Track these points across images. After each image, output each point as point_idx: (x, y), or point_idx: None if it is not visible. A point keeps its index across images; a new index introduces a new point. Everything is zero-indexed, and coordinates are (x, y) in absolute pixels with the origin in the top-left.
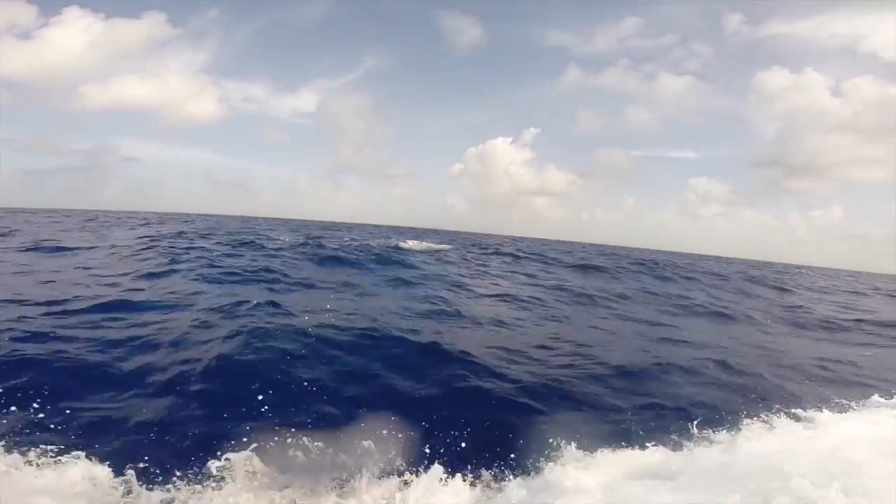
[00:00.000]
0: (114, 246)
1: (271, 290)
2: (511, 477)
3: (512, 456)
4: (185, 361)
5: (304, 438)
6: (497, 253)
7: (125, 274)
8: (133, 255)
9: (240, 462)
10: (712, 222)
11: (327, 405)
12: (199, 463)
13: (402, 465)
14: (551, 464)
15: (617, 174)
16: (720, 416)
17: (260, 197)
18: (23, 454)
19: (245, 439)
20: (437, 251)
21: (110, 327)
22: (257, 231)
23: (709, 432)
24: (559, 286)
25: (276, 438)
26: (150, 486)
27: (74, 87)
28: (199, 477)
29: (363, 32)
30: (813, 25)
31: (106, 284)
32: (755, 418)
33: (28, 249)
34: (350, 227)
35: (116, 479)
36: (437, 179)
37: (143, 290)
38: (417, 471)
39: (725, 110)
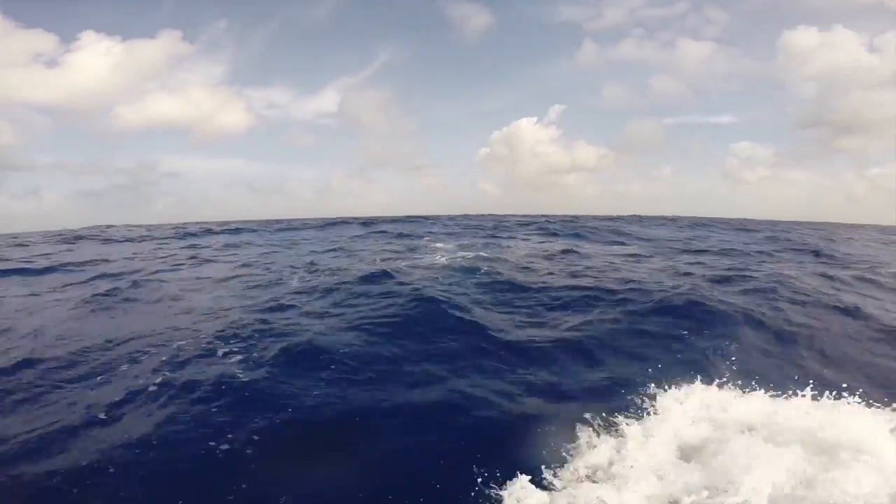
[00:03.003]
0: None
1: None
2: None
3: None
4: None
5: None
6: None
7: None
8: None
9: None
10: (759, 186)
11: None
12: None
13: None
14: None
15: (650, 144)
16: None
17: (297, 199)
18: None
19: None
20: None
21: None
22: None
23: None
24: None
25: None
26: None
27: (109, 108)
28: None
29: (372, 27)
30: None
31: None
32: None
33: None
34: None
35: None
36: (464, 166)
37: None
38: None
39: (755, 72)
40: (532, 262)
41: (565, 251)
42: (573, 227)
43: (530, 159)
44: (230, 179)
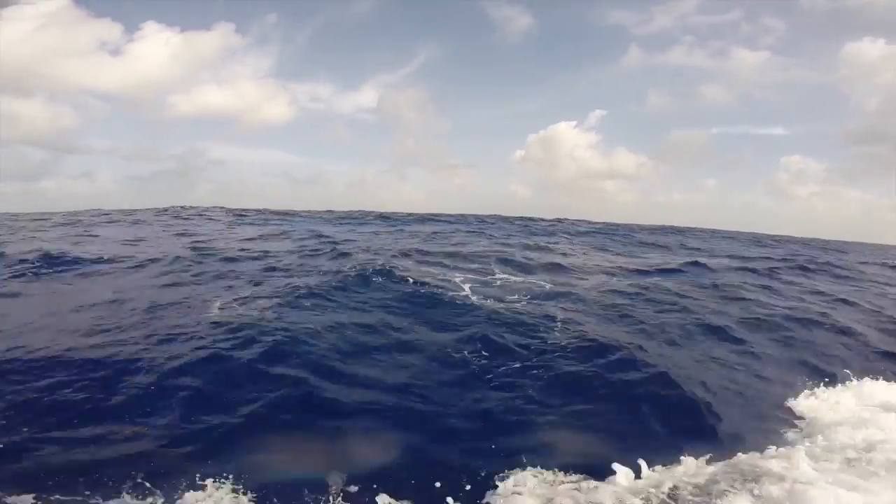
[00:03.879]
0: None
1: None
2: None
3: None
4: None
5: None
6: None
7: None
8: None
9: None
10: (808, 202)
11: None
12: None
13: None
14: None
15: (694, 154)
16: None
17: (331, 191)
18: None
19: None
20: None
21: None
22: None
23: None
24: None
25: None
26: None
27: (163, 97)
28: None
29: (414, 26)
30: None
31: None
32: None
33: None
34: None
35: None
36: (497, 167)
37: None
38: None
39: (812, 84)
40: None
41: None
42: (626, 237)
43: (567, 163)
44: (269, 169)
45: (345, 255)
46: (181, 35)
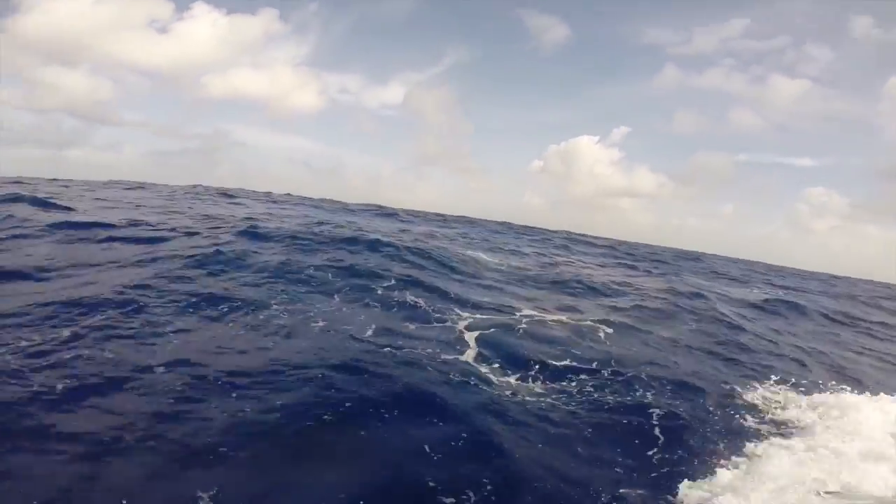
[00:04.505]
0: None
1: None
2: None
3: None
4: None
5: None
6: None
7: None
8: None
9: None
10: (827, 237)
11: None
12: None
13: None
14: None
15: (716, 178)
16: None
17: (349, 184)
18: None
19: None
20: None
21: None
22: None
23: None
24: None
25: None
26: None
27: (199, 77)
28: None
29: (447, 27)
30: None
31: None
32: None
33: None
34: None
35: None
36: (514, 176)
37: None
38: None
39: (850, 116)
40: None
41: None
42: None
43: (587, 178)
44: (292, 155)
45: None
46: (227, 17)
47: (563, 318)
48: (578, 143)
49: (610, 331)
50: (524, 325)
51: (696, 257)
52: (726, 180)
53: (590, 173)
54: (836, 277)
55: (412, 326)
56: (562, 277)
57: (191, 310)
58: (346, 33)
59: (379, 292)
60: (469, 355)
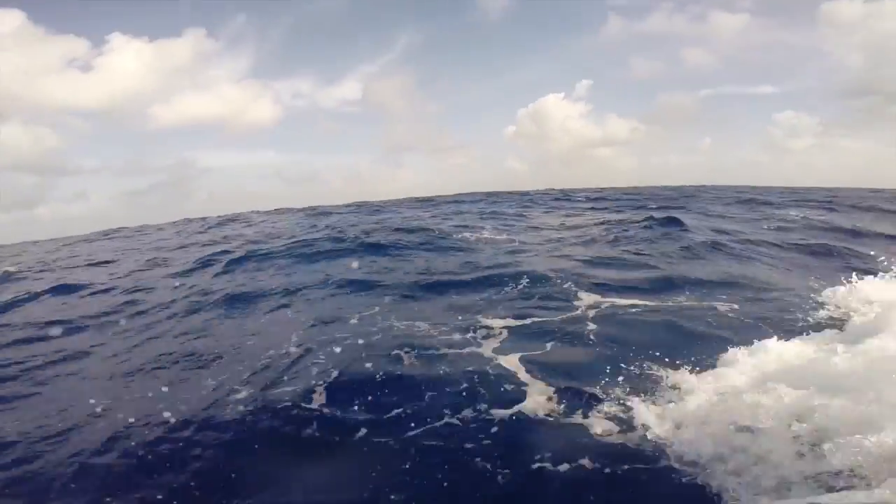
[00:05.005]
0: None
1: None
2: None
3: None
4: None
5: None
6: None
7: None
8: None
9: None
10: (807, 154)
11: None
12: None
13: None
14: None
15: (685, 116)
16: None
17: (329, 187)
18: None
19: None
20: None
21: None
22: None
23: None
24: None
25: None
26: None
27: (144, 109)
28: None
29: (390, 12)
30: None
31: None
32: None
33: None
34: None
35: None
36: (492, 145)
37: None
38: None
39: (795, 43)
40: None
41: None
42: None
43: (560, 135)
44: (263, 171)
45: None
46: (151, 44)
47: None
48: (546, 103)
49: None
50: None
51: (691, 193)
52: (695, 116)
53: (562, 129)
54: (829, 189)
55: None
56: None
57: None
58: (285, 38)
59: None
60: None
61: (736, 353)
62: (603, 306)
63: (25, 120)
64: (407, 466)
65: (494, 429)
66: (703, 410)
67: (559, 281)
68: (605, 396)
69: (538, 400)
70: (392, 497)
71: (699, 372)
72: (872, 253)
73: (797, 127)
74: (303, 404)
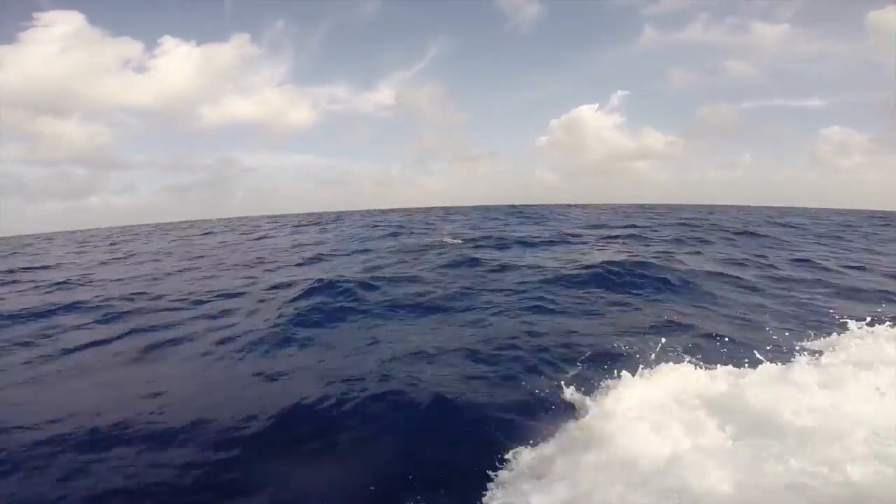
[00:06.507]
0: None
1: None
2: None
3: None
4: None
5: None
6: None
7: None
8: None
9: None
10: (856, 173)
11: None
12: None
13: None
14: None
15: (726, 129)
16: None
17: (359, 191)
18: None
19: None
20: None
21: None
22: None
23: None
24: None
25: None
26: None
27: (193, 109)
28: None
29: (423, 22)
30: None
31: None
32: None
33: None
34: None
35: None
36: (521, 155)
37: None
38: None
39: (842, 54)
40: None
41: None
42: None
43: (595, 146)
44: (299, 173)
45: None
46: (199, 48)
47: None
48: (580, 113)
49: None
50: None
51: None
52: (737, 129)
53: (597, 139)
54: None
55: None
56: None
57: None
58: (322, 45)
59: None
60: None
61: None
62: None
63: (84, 117)
64: None
65: None
66: None
67: None
68: None
69: None
70: None
71: None
72: None
73: (846, 143)
74: None
